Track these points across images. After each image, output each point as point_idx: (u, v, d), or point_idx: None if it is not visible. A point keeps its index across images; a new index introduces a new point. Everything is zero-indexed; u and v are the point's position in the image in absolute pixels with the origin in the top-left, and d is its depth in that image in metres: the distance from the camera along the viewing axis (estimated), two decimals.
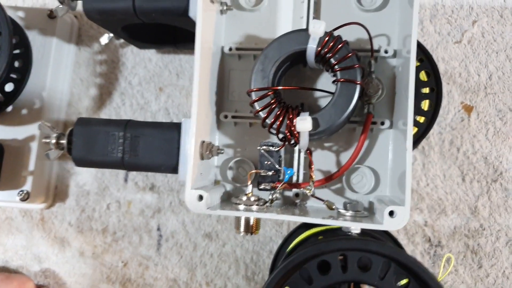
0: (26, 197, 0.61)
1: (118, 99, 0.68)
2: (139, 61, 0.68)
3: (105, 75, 0.69)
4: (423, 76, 0.54)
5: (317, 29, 0.45)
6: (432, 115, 0.53)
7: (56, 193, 0.67)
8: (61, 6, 0.52)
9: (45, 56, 0.65)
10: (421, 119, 0.53)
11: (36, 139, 0.62)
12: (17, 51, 0.62)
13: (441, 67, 0.65)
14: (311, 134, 0.46)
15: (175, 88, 0.68)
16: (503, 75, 0.65)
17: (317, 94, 0.54)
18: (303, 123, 0.45)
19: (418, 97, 0.53)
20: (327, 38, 0.46)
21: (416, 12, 0.45)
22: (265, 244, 0.65)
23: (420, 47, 0.54)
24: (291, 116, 0.46)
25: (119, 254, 0.66)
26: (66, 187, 0.67)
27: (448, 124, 0.64)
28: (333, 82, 0.47)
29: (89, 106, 0.68)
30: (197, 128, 0.47)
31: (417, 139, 0.54)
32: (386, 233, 0.60)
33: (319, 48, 0.46)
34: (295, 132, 0.46)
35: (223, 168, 0.55)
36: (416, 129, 0.53)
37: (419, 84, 0.53)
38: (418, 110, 0.53)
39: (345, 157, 0.53)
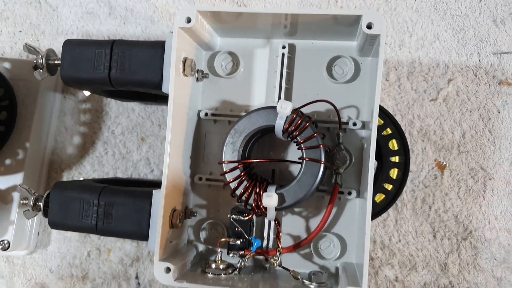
0: (7, 247, 0.63)
1: (101, 148, 0.70)
2: (122, 111, 0.70)
3: (89, 124, 0.70)
4: (393, 145, 0.55)
5: (284, 109, 0.47)
6: (400, 183, 0.55)
7: (38, 239, 0.69)
8: (40, 71, 0.54)
9: (30, 107, 0.66)
10: (389, 187, 0.55)
11: None
12: (2, 103, 0.64)
13: (417, 124, 0.67)
14: (277, 208, 0.48)
15: (156, 138, 0.70)
16: (476, 134, 0.66)
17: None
18: (269, 200, 0.47)
19: (388, 166, 0.55)
20: (294, 116, 0.48)
21: (379, 86, 0.46)
22: None
23: (390, 118, 0.55)
24: (258, 190, 0.48)
25: None
26: (48, 234, 0.69)
27: (421, 182, 0.65)
28: (299, 158, 0.48)
29: (72, 154, 0.70)
30: (167, 199, 0.48)
31: (385, 207, 0.55)
32: None
33: (286, 126, 0.48)
34: (262, 207, 0.48)
35: (196, 228, 0.57)
36: (383, 196, 0.55)
37: (388, 153, 0.55)
38: (387, 178, 0.55)
39: (314, 222, 0.54)
